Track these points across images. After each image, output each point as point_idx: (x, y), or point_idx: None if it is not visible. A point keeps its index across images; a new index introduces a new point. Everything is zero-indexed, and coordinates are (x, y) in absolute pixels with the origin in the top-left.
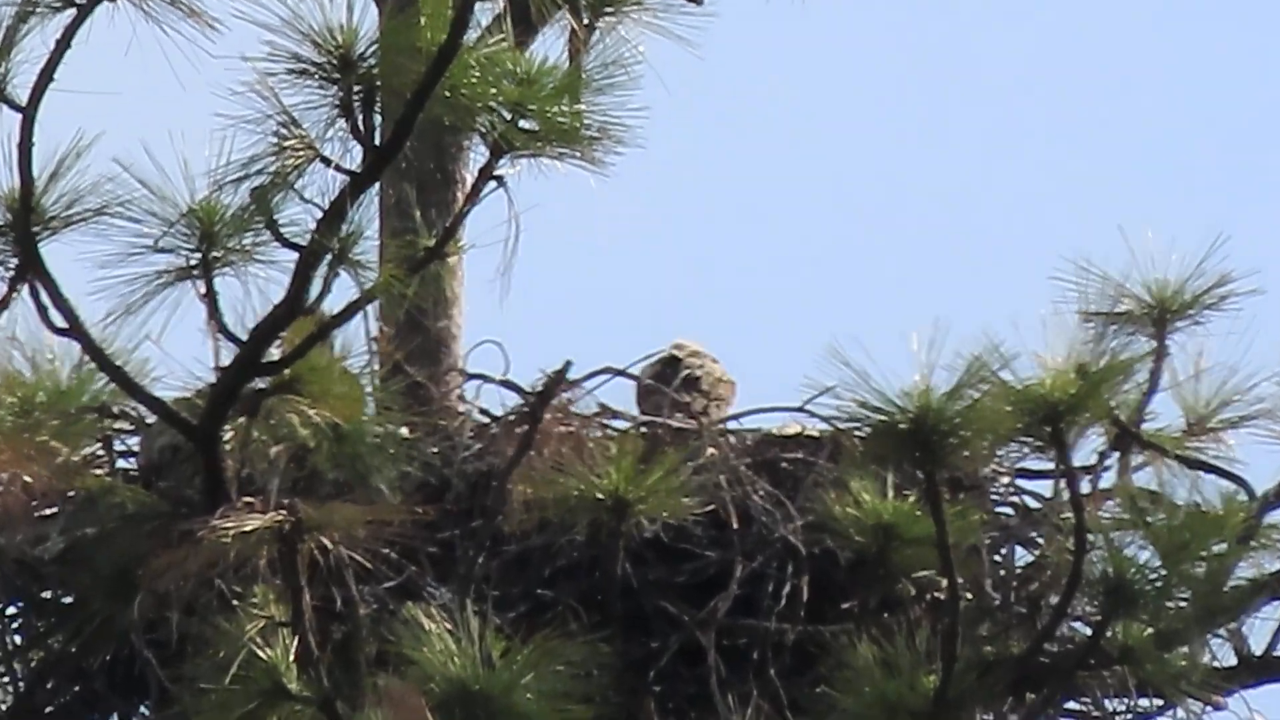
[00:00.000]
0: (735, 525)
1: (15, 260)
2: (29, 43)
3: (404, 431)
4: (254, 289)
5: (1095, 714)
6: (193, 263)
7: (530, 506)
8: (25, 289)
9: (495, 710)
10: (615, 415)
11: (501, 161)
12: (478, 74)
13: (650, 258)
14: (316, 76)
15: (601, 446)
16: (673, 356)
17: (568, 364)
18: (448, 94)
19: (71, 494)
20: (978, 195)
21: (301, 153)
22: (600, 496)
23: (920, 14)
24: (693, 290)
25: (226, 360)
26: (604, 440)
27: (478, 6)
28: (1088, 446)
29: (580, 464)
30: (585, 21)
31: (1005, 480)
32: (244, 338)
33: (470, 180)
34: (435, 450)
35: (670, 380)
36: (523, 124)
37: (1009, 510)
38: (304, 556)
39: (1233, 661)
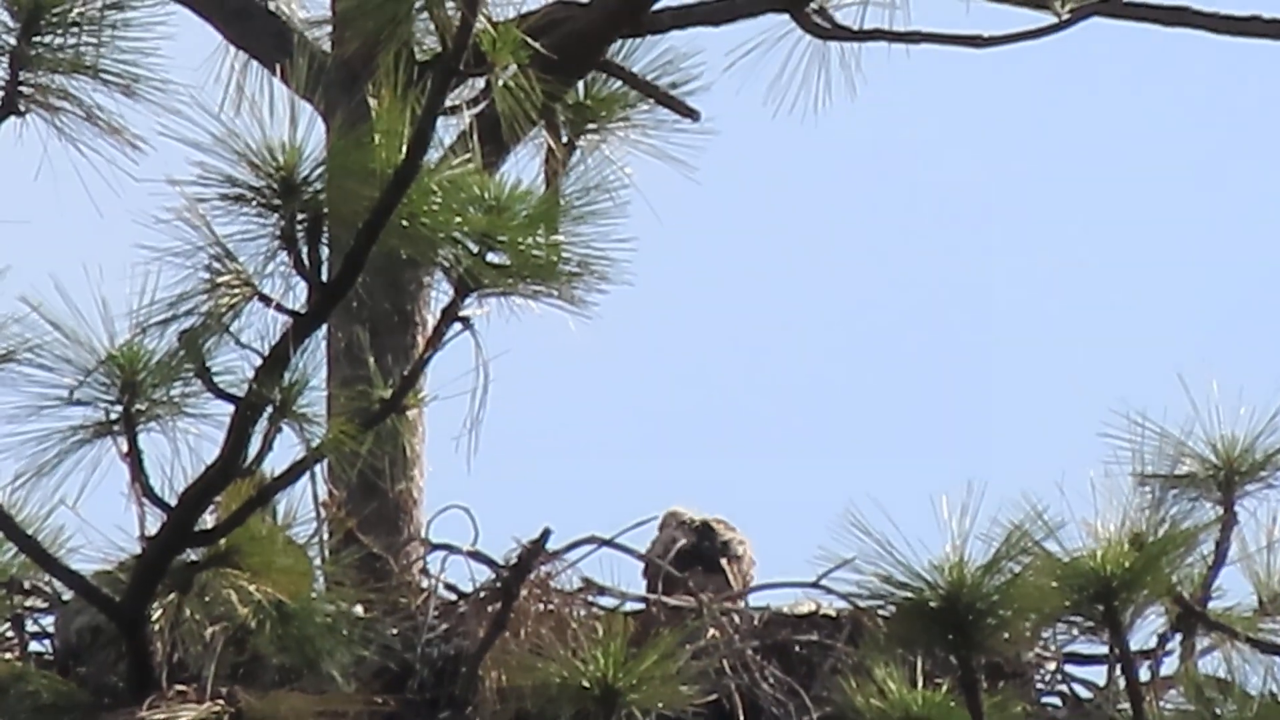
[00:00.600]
0: (742, 718)
1: None
2: None
3: (359, 610)
4: (184, 447)
5: None
6: (113, 416)
7: (505, 696)
8: None
9: None
10: (602, 591)
11: (467, 300)
12: (440, 200)
13: (639, 410)
14: (254, 203)
15: (587, 627)
16: (706, 525)
17: (546, 532)
18: (405, 223)
19: None
20: (1015, 337)
21: (237, 290)
22: (586, 684)
23: (951, 135)
24: (688, 446)
25: (153, 529)
26: (589, 620)
27: (440, 123)
28: (1146, 628)
29: (562, 647)
30: (564, 140)
31: (1052, 666)
32: (173, 503)
33: (432, 322)
34: (395, 631)
35: (707, 553)
36: (492, 257)
37: (1056, 701)
38: None
39: None
